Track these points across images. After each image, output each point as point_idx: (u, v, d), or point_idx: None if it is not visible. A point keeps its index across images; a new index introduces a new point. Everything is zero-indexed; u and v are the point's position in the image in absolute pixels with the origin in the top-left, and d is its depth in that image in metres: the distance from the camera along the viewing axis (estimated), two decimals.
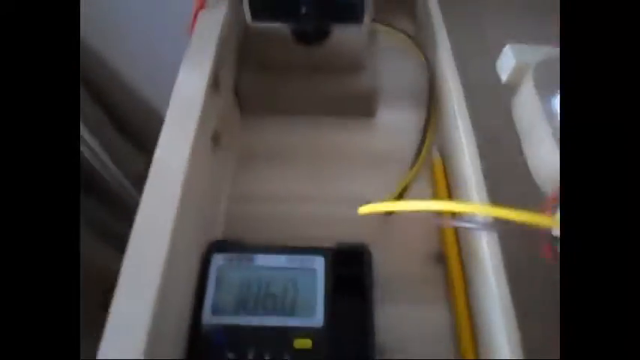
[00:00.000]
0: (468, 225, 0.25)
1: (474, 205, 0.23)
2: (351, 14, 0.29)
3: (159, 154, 0.23)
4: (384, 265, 0.27)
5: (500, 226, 0.22)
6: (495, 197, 0.25)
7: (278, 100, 0.33)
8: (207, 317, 0.23)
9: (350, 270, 0.25)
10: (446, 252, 0.28)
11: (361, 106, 0.33)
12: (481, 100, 0.31)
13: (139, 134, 0.53)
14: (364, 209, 0.24)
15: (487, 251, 0.24)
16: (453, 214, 0.27)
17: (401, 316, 0.26)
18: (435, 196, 0.31)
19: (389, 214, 0.29)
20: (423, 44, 0.37)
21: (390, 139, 0.34)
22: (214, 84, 0.28)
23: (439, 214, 0.29)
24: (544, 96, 0.23)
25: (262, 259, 0.25)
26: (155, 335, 0.18)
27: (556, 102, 0.23)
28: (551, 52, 0.24)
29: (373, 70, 0.33)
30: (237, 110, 0.34)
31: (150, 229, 0.21)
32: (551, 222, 0.18)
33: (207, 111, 0.26)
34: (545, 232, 0.18)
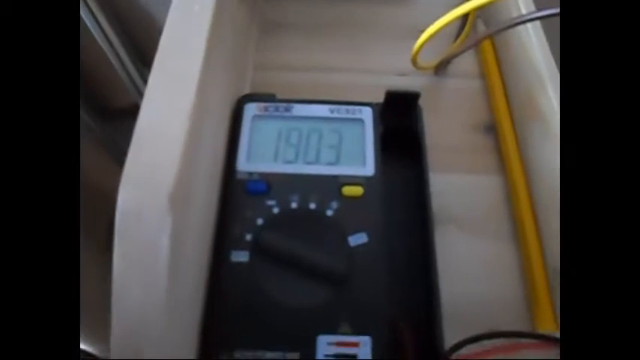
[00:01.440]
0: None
1: None
2: None
3: None
4: (432, 134, 0.24)
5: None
6: None
7: None
8: (242, 164, 0.20)
9: (401, 120, 0.22)
10: (497, 120, 0.26)
11: None
12: None
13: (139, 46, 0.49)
14: (415, 48, 0.21)
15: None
16: None
17: (451, 184, 0.24)
18: (484, 66, 0.28)
19: (440, 66, 0.26)
20: None
21: (431, 14, 0.30)
22: None
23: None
24: None
25: (301, 109, 0.22)
26: (182, 181, 0.15)
27: None
28: None
29: None
30: None
31: (174, 68, 0.17)
32: None
33: None
34: None
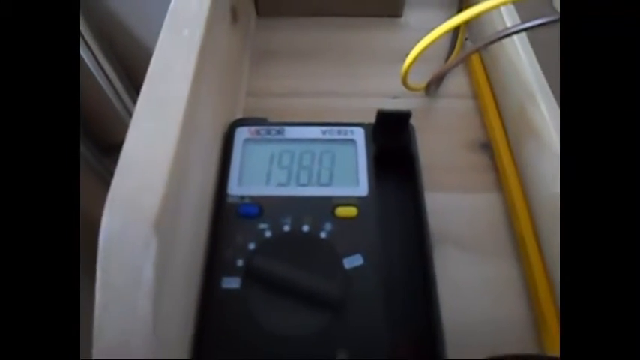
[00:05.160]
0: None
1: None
2: None
3: (173, 7, 0.20)
4: (428, 154, 0.24)
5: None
6: None
7: None
8: (234, 189, 0.20)
9: (394, 139, 0.22)
10: (492, 137, 0.25)
11: (388, 4, 0.31)
12: None
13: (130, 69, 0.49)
14: (405, 65, 0.21)
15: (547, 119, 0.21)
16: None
17: (449, 203, 0.23)
18: (475, 86, 0.28)
19: (430, 86, 0.26)
20: None
21: (419, 38, 0.31)
22: None
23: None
24: None
25: (293, 132, 0.22)
26: (168, 207, 0.15)
27: None
28: None
29: None
30: (252, 4, 0.31)
31: (162, 92, 0.17)
32: None
33: None
34: None
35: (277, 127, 0.22)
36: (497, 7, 0.20)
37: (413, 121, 0.23)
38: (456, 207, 0.24)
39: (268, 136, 0.22)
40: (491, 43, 0.23)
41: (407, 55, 0.24)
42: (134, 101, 0.53)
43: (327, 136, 0.22)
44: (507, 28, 0.22)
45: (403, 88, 0.26)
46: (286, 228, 0.19)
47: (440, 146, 0.26)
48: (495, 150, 0.25)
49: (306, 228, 0.19)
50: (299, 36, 0.31)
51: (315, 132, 0.22)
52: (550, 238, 0.21)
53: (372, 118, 0.23)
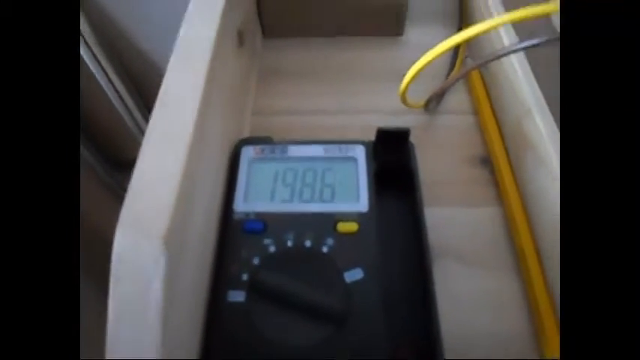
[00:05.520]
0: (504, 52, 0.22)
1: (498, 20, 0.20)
2: None
3: (183, 34, 0.22)
4: (429, 169, 0.24)
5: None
6: None
7: (302, 18, 0.32)
8: (239, 205, 0.21)
9: (394, 156, 0.22)
10: (492, 152, 0.26)
11: (389, 24, 0.32)
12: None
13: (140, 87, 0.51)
14: (404, 83, 0.22)
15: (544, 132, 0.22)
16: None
17: (450, 218, 0.24)
18: (475, 102, 0.29)
19: (430, 102, 0.27)
20: None
21: (419, 56, 0.32)
22: None
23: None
24: None
25: (297, 150, 0.23)
26: (176, 224, 0.15)
27: None
28: None
29: None
30: (258, 26, 0.32)
31: (171, 115, 0.18)
32: None
33: (231, 3, 0.24)
34: None
35: (281, 146, 0.23)
36: (495, 27, 0.21)
37: (415, 137, 0.24)
38: (457, 221, 0.24)
39: (273, 155, 0.23)
40: (489, 61, 0.23)
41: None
42: (145, 118, 0.55)
43: (329, 154, 0.22)
44: (505, 48, 0.23)
45: (404, 106, 0.26)
46: (289, 243, 0.20)
47: (441, 161, 0.26)
48: (495, 165, 0.26)
49: (308, 243, 0.20)
50: (303, 56, 0.32)
51: (317, 150, 0.23)
52: (550, 251, 0.21)
53: (372, 136, 0.24)
